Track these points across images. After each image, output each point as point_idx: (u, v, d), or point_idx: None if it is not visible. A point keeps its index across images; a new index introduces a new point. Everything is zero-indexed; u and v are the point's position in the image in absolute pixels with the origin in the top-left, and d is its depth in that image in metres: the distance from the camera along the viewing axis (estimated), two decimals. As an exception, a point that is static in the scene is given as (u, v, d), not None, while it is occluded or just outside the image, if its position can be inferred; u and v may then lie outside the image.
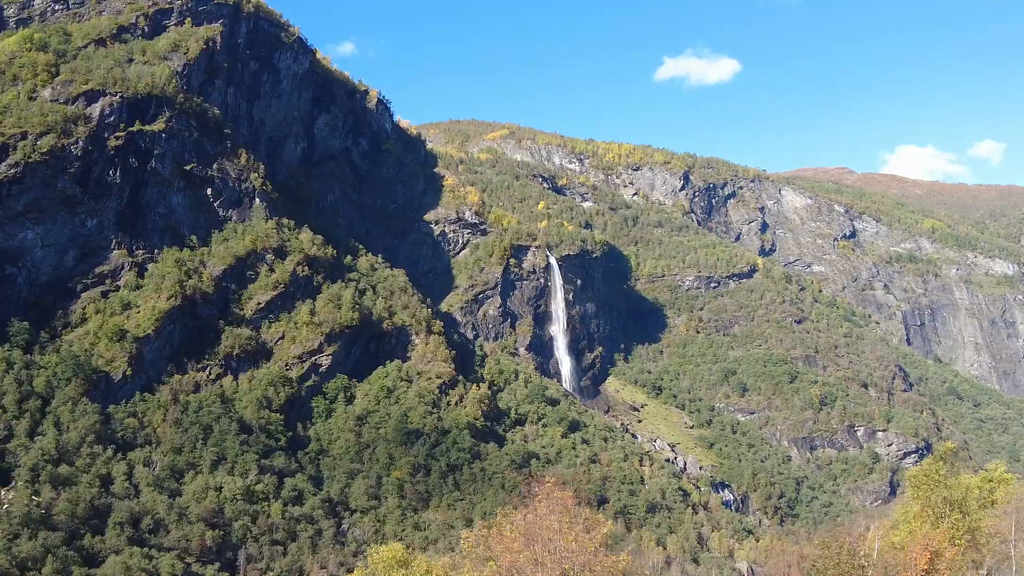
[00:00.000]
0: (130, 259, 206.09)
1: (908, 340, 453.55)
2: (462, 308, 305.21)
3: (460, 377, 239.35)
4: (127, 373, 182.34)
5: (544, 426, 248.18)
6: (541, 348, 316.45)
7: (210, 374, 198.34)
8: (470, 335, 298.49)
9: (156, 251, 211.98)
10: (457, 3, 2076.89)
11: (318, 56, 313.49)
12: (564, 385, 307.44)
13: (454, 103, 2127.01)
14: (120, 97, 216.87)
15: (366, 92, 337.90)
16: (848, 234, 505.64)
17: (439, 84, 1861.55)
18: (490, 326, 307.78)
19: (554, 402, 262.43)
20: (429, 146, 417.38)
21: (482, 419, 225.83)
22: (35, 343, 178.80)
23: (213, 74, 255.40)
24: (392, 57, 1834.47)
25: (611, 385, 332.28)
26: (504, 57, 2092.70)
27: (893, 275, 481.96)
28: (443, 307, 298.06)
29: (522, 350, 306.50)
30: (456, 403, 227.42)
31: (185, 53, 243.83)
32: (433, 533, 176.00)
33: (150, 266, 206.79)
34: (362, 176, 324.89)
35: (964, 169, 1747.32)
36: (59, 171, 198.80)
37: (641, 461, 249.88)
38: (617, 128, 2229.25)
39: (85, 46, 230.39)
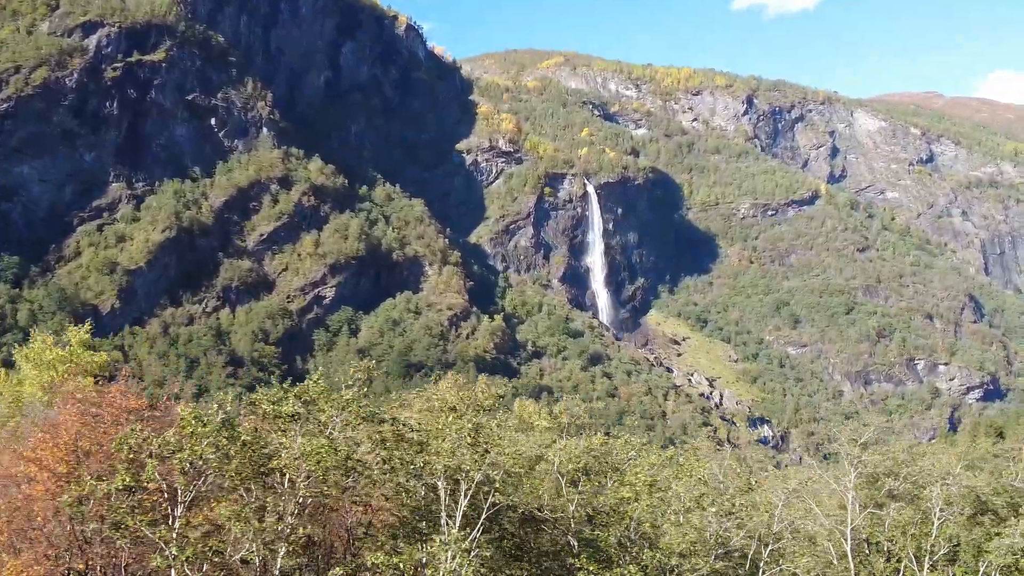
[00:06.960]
0: (129, 192, 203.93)
1: (986, 270, 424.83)
2: (492, 239, 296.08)
3: (475, 309, 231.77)
4: (115, 306, 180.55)
5: (564, 359, 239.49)
6: (577, 280, 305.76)
7: (206, 307, 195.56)
8: (500, 267, 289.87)
9: (157, 183, 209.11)
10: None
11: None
12: (601, 318, 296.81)
13: (517, 33, 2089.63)
14: (118, 27, 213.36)
15: (395, 18, 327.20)
16: (925, 159, 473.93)
17: (503, 14, 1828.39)
18: (521, 258, 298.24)
19: (577, 334, 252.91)
20: (483, 76, 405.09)
21: (493, 352, 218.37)
22: (25, 277, 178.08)
23: (224, 2, 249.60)
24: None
25: (653, 318, 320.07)
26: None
27: (972, 201, 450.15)
28: (472, 239, 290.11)
29: (555, 282, 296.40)
30: (468, 336, 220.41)
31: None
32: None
33: (148, 198, 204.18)
34: (392, 106, 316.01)
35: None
36: (54, 104, 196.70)
37: (666, 395, 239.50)
38: (687, 59, 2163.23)
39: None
